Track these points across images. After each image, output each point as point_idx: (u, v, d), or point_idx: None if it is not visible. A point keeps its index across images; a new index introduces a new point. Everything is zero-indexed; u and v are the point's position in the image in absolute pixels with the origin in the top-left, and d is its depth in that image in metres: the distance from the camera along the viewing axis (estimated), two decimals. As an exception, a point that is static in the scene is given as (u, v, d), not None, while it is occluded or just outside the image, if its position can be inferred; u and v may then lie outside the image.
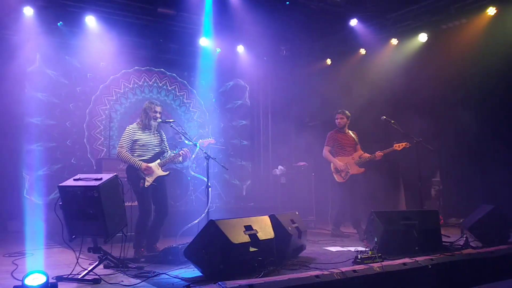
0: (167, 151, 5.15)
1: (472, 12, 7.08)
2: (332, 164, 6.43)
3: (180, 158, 5.12)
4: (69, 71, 8.36)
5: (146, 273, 3.90)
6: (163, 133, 5.21)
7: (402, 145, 6.09)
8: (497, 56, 6.75)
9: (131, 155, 4.90)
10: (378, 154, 6.23)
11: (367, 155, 6.33)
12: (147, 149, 4.97)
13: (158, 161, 4.96)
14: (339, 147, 6.48)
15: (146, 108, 5.04)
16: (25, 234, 6.71)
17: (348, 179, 6.29)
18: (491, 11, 6.82)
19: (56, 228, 4.78)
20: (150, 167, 4.88)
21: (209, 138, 5.37)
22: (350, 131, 6.58)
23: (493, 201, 5.85)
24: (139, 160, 4.88)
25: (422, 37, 7.74)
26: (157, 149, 5.04)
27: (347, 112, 6.57)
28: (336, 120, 6.59)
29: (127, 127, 5.05)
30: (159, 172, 4.95)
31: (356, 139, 6.53)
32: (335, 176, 6.38)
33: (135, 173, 4.84)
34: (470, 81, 7.14)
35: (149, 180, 4.83)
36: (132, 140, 4.93)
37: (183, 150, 5.10)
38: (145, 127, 5.01)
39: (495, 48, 6.81)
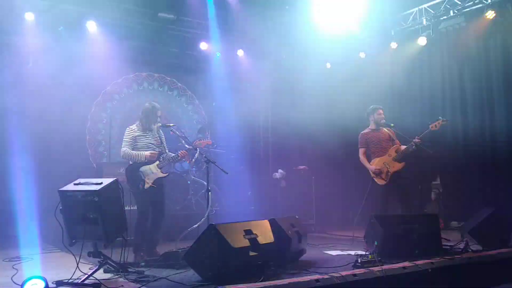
0: (166, 153, 5.16)
1: (471, 15, 7.10)
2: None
3: (178, 159, 5.14)
4: (70, 76, 8.37)
5: (146, 278, 3.90)
6: (162, 134, 5.23)
7: (439, 122, 5.57)
8: (496, 59, 6.78)
9: None
10: (416, 140, 5.66)
11: (403, 147, 5.83)
12: (147, 149, 4.98)
13: (157, 162, 4.98)
14: (375, 147, 5.96)
15: (147, 110, 5.06)
16: (25, 238, 6.72)
17: (390, 179, 5.78)
18: (490, 14, 6.84)
19: (56, 233, 4.79)
20: (155, 154, 4.92)
21: (207, 139, 5.37)
22: (384, 128, 6.06)
23: (494, 204, 5.86)
24: (139, 162, 4.89)
25: (422, 41, 7.76)
26: (157, 150, 5.05)
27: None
28: (377, 116, 5.99)
29: (127, 128, 5.09)
30: (159, 173, 4.96)
31: (391, 135, 6.00)
32: (376, 180, 5.84)
33: (135, 175, 4.85)
34: (470, 84, 7.16)
35: (148, 182, 4.84)
36: (132, 138, 4.97)
37: (181, 152, 5.12)
38: (145, 129, 5.03)
39: (494, 51, 6.83)
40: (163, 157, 5.05)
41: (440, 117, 5.59)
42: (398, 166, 5.82)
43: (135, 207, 5.02)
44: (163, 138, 5.22)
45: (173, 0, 7.54)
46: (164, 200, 5.09)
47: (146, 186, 4.83)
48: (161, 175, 4.98)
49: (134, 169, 4.87)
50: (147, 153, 4.90)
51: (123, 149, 4.96)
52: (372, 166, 5.87)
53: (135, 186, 4.84)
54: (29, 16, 7.20)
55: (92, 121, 8.54)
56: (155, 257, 4.66)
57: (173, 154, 5.13)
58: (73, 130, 8.32)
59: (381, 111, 6.01)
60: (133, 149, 4.95)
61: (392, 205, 5.89)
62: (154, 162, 4.96)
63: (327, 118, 9.17)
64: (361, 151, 6.02)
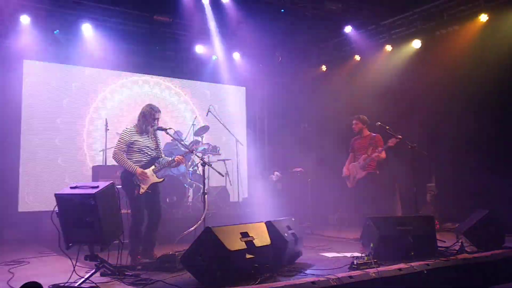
0: (162, 157, 5.15)
1: (464, 18, 7.17)
2: None
3: (174, 164, 5.12)
4: (67, 79, 8.38)
5: (143, 281, 3.90)
6: (158, 137, 5.21)
7: (393, 140, 6.07)
8: (490, 62, 6.83)
9: (128, 159, 4.91)
10: (375, 155, 6.27)
11: (374, 155, 6.29)
12: (144, 153, 4.95)
13: (153, 167, 4.95)
14: (356, 153, 6.56)
15: (145, 112, 4.99)
16: (21, 242, 6.70)
17: (355, 184, 6.36)
18: (483, 18, 6.90)
19: (52, 236, 4.78)
20: (145, 173, 4.86)
21: (201, 144, 5.36)
22: (372, 134, 6.49)
23: (488, 205, 5.88)
24: (136, 165, 4.88)
25: (416, 43, 7.81)
26: (153, 154, 5.03)
27: (361, 117, 6.53)
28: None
29: (124, 129, 5.01)
30: (154, 178, 4.93)
31: (370, 142, 6.41)
32: (346, 182, 6.62)
33: (129, 180, 4.83)
34: (464, 86, 7.20)
35: (143, 187, 4.82)
36: (128, 142, 4.90)
37: (178, 157, 5.11)
38: (142, 131, 4.99)
39: (487, 54, 6.89)
40: (158, 162, 5.04)
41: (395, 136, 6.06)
42: (361, 174, 6.34)
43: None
44: (159, 141, 5.21)
45: (169, 3, 7.55)
46: (160, 203, 5.07)
47: (141, 191, 4.81)
48: (157, 180, 4.95)
49: (129, 174, 4.84)
50: (139, 170, 4.81)
51: (116, 151, 4.89)
52: (344, 169, 6.59)
53: (130, 191, 4.82)
54: (25, 19, 7.20)
55: (89, 124, 8.54)
56: (152, 260, 4.66)
57: (169, 159, 5.11)
58: (71, 133, 8.33)
59: (353, 121, 6.58)
60: (128, 152, 4.91)
61: (365, 208, 6.33)
62: (150, 167, 4.94)
63: (323, 120, 9.22)
64: (350, 155, 6.73)
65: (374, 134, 6.50)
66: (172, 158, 5.10)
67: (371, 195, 6.26)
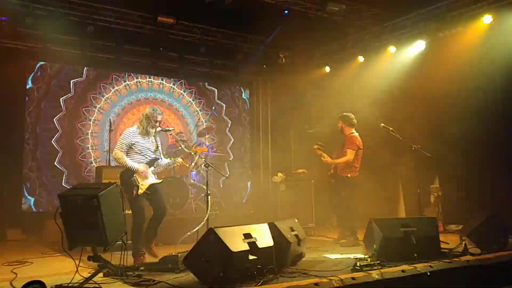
0: (161, 159, 5.16)
1: (468, 20, 7.14)
2: None
3: (174, 166, 5.13)
4: (71, 80, 8.42)
5: (146, 281, 3.91)
6: (159, 140, 5.23)
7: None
8: (494, 63, 6.81)
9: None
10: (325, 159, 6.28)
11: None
12: (144, 155, 4.96)
13: (152, 168, 4.97)
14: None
15: (148, 114, 5.00)
16: (24, 242, 6.72)
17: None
18: (487, 19, 6.87)
19: (56, 237, 4.81)
20: (146, 171, 4.88)
21: (202, 146, 5.37)
22: (349, 134, 6.27)
23: (492, 207, 5.87)
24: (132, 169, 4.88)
25: (420, 45, 7.79)
26: (153, 156, 5.04)
27: (344, 115, 6.34)
28: None
29: (127, 130, 5.04)
30: (153, 180, 4.95)
31: (344, 142, 6.26)
32: None
33: (128, 180, 4.84)
34: (468, 88, 7.18)
35: (142, 188, 4.83)
36: (130, 143, 4.93)
37: (177, 160, 5.11)
38: (144, 133, 5.02)
39: (491, 56, 6.86)
40: (158, 164, 5.05)
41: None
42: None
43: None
44: (160, 143, 5.23)
45: (173, 4, 7.57)
46: (163, 199, 5.06)
47: (140, 192, 4.83)
48: (155, 181, 4.96)
49: (128, 174, 4.85)
50: (141, 168, 4.86)
51: (116, 151, 4.91)
52: None
53: (129, 191, 4.83)
54: (29, 20, 7.21)
55: (93, 124, 8.58)
56: (151, 253, 4.67)
57: (168, 161, 5.11)
58: (74, 133, 8.36)
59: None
60: (127, 153, 4.92)
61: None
62: (149, 168, 4.95)
63: (326, 121, 9.20)
64: None
65: (353, 135, 6.20)
66: (172, 160, 5.11)
67: (332, 197, 6.37)
